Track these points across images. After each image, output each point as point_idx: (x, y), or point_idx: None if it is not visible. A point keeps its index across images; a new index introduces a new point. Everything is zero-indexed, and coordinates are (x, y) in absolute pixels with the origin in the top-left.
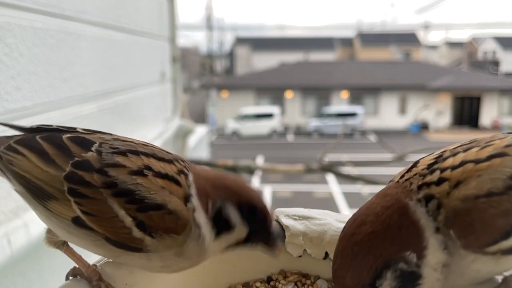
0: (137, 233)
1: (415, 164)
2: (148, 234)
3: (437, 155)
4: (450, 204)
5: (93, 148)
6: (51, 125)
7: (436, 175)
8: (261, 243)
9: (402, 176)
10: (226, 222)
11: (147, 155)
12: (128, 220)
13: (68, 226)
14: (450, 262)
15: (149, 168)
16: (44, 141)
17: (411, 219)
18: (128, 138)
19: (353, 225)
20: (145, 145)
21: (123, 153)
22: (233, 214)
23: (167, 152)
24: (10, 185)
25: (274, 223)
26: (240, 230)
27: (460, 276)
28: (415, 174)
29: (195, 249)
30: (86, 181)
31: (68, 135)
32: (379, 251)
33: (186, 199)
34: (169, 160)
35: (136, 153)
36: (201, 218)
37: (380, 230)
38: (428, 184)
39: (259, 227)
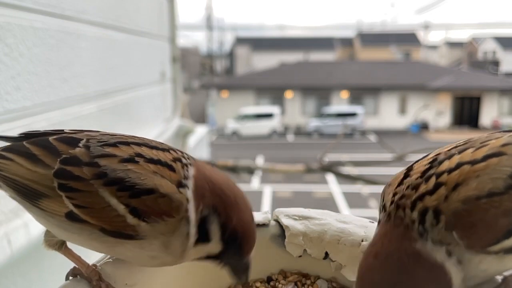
0: (131, 220)
1: (409, 171)
2: (142, 220)
3: (432, 159)
4: (449, 207)
5: (80, 144)
6: (38, 131)
7: (432, 182)
8: (230, 268)
9: (395, 193)
10: (206, 233)
11: (138, 144)
12: (121, 208)
13: (63, 223)
14: (465, 272)
15: (140, 155)
16: (31, 144)
17: (429, 262)
18: (117, 133)
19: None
20: (136, 137)
21: (113, 145)
22: (214, 229)
23: (161, 143)
24: (5, 193)
25: (251, 255)
26: (214, 246)
27: (471, 279)
28: (408, 187)
29: (180, 245)
30: (75, 175)
31: (55, 136)
32: None
33: (180, 184)
34: (164, 149)
35: (127, 143)
36: (192, 215)
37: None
38: (421, 197)
39: (234, 252)
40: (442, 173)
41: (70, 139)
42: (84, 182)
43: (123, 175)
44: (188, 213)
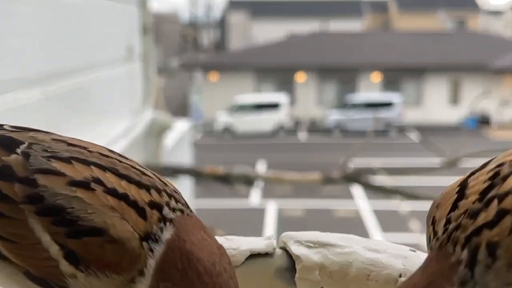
0: (65, 267)
1: (463, 189)
2: (79, 269)
3: (493, 172)
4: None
5: (18, 150)
6: None
7: (493, 209)
8: None
9: (448, 220)
10: None
11: (102, 167)
12: (55, 249)
13: None
14: None
15: (99, 181)
16: None
17: None
18: (82, 142)
19: None
20: (106, 156)
21: (65, 159)
22: None
23: (144, 173)
24: None
25: None
26: None
27: None
28: (464, 214)
29: None
30: (3, 194)
31: None
32: None
33: (147, 237)
34: (141, 183)
35: (85, 162)
36: (145, 281)
37: None
38: (478, 231)
39: None
40: (505, 194)
41: (8, 139)
42: (12, 204)
43: (64, 204)
44: (143, 278)
